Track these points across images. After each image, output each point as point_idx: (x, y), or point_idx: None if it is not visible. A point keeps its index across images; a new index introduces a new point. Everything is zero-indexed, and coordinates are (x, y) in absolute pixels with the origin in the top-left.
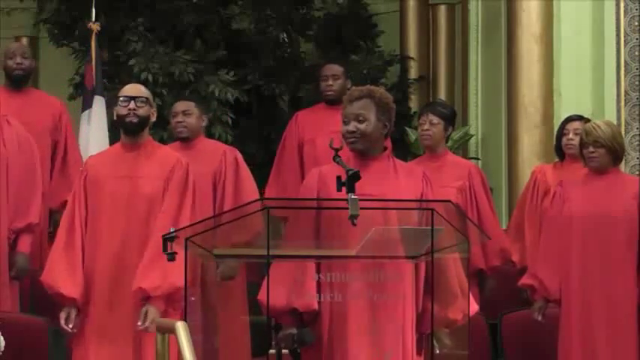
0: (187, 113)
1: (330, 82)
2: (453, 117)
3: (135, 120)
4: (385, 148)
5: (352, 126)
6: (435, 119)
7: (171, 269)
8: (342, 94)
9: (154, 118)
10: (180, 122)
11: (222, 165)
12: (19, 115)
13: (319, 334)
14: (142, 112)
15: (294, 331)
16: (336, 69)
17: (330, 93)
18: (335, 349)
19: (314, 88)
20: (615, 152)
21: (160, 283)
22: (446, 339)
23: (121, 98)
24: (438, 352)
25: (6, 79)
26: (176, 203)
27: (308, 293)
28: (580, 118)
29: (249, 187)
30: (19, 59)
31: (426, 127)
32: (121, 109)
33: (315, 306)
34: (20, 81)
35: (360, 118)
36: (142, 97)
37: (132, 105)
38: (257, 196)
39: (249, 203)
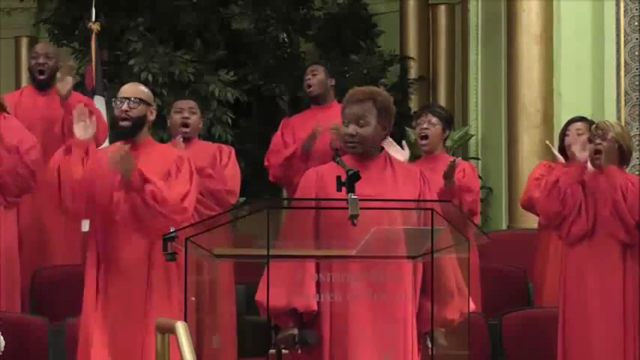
0: (193, 111)
1: (309, 77)
2: (450, 120)
3: (127, 123)
4: (382, 149)
5: (352, 129)
6: (434, 119)
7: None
8: (321, 89)
9: (152, 117)
10: (187, 118)
11: (216, 158)
12: (45, 114)
13: (319, 334)
14: (135, 112)
15: (295, 331)
16: (314, 67)
17: (309, 89)
18: (335, 349)
19: None
20: (622, 151)
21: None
22: (441, 339)
23: (116, 100)
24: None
25: (31, 80)
26: (175, 173)
27: (307, 293)
28: (582, 119)
29: (228, 175)
30: (41, 60)
31: (424, 126)
32: (115, 111)
33: (315, 306)
34: (43, 81)
35: (361, 122)
36: (135, 97)
37: (125, 106)
38: (233, 188)
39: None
